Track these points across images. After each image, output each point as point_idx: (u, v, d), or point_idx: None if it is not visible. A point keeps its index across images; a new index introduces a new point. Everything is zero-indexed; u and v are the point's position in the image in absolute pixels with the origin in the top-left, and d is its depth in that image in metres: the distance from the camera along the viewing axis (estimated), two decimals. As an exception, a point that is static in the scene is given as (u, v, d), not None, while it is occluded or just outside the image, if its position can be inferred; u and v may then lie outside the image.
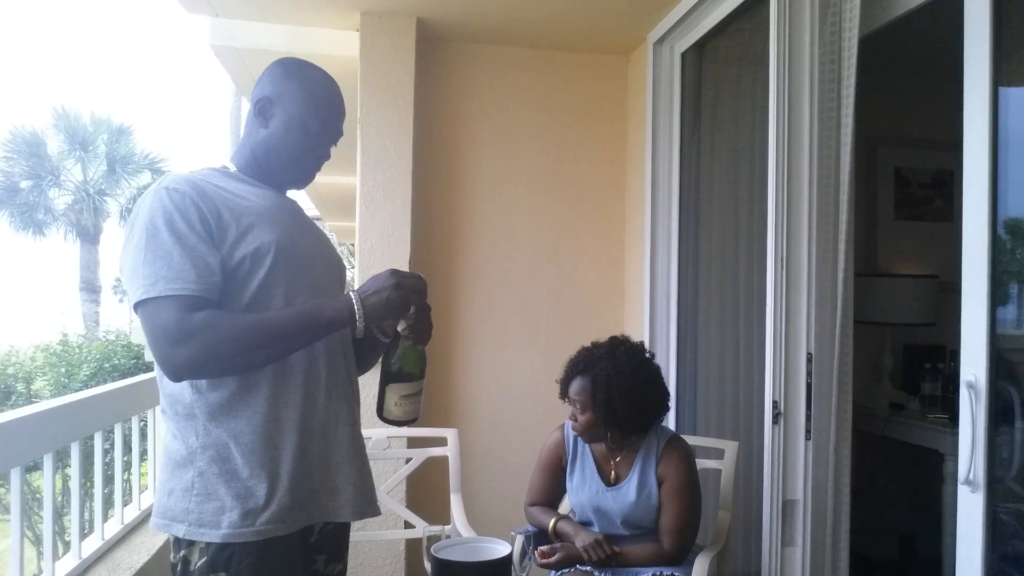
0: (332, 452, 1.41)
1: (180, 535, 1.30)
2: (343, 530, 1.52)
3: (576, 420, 2.09)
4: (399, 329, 1.39)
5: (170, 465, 1.33)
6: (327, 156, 1.50)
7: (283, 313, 1.33)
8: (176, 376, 1.28)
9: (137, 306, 1.27)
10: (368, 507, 1.48)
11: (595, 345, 2.15)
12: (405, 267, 2.99)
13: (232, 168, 1.47)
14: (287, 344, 1.31)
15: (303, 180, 1.51)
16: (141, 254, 1.26)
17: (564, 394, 2.14)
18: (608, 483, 2.13)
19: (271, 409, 1.33)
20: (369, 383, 1.51)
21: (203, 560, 1.28)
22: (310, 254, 1.43)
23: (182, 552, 1.31)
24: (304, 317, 1.31)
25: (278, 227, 1.37)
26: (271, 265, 1.33)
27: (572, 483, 2.18)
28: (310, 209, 8.11)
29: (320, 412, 1.39)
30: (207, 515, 1.28)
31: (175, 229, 1.27)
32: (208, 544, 1.28)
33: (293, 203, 1.52)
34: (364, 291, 1.32)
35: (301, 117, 1.42)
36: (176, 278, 1.24)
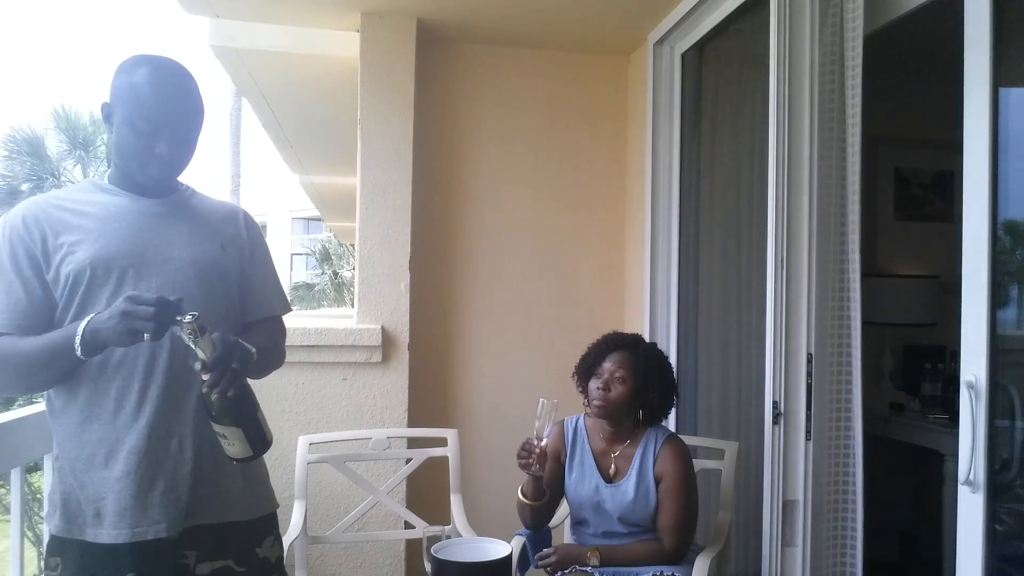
0: (151, 467, 1.42)
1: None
2: (218, 529, 1.49)
3: (609, 391, 2.08)
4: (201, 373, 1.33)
5: None
6: (168, 156, 1.45)
7: (35, 340, 1.39)
8: None
9: None
10: (181, 522, 1.44)
11: (618, 332, 2.21)
12: (405, 267, 2.99)
13: (105, 181, 1.53)
14: (42, 369, 1.39)
15: (152, 180, 1.49)
16: None
17: (590, 370, 2.14)
18: (607, 479, 2.13)
19: (82, 424, 1.42)
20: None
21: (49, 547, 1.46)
22: (149, 260, 1.45)
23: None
24: (49, 343, 1.37)
25: (111, 238, 1.43)
26: (89, 281, 1.40)
27: (571, 479, 2.17)
28: (311, 210, 8.05)
29: (139, 427, 1.41)
30: (51, 508, 1.46)
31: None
32: (51, 536, 1.45)
33: (160, 206, 1.51)
34: (98, 316, 1.34)
35: (130, 117, 1.43)
36: None
